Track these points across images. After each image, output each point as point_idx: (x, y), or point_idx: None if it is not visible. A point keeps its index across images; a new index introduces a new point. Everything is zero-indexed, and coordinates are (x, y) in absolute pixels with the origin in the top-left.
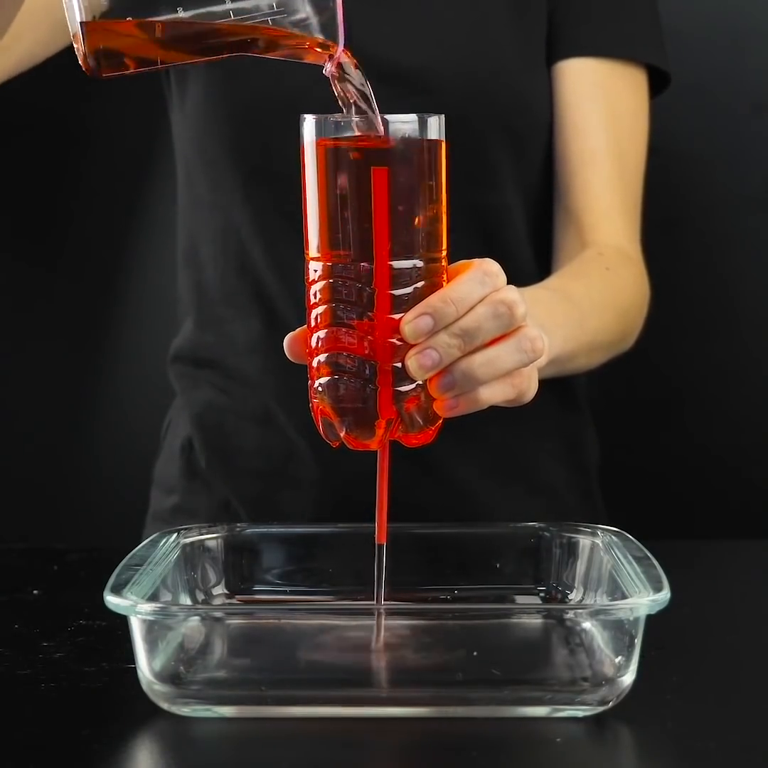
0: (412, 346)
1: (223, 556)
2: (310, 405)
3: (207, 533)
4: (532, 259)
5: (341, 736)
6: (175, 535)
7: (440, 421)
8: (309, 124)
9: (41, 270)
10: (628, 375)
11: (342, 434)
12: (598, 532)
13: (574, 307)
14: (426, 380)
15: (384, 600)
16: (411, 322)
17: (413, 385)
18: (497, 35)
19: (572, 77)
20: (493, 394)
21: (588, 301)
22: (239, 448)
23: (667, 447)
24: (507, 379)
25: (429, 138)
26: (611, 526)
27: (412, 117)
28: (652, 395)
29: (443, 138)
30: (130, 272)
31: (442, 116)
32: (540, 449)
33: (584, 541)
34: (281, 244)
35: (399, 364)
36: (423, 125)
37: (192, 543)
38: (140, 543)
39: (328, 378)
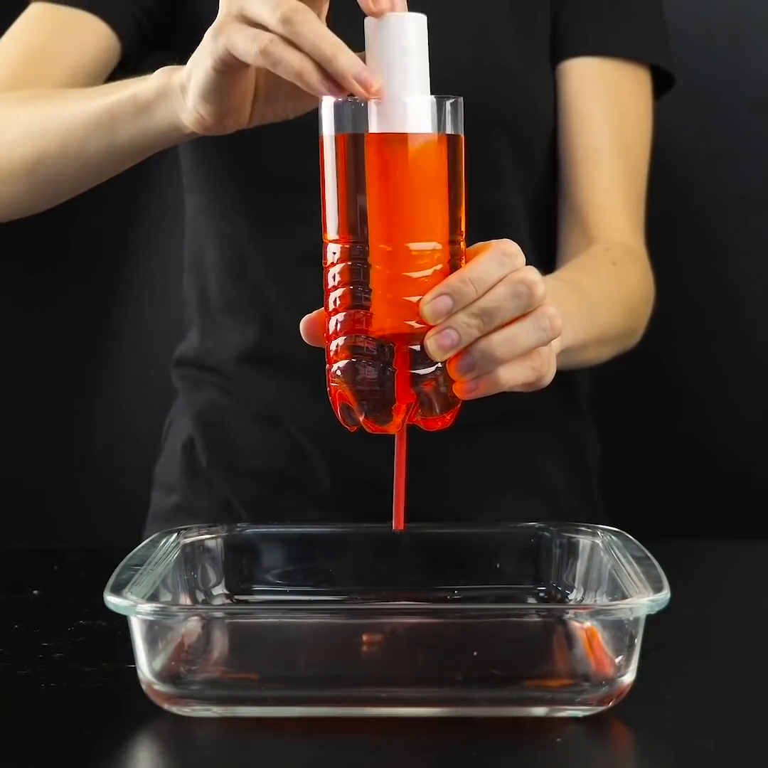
0: (431, 327)
1: (223, 556)
2: (328, 389)
3: (207, 533)
4: (535, 259)
5: (341, 737)
6: (175, 535)
7: (459, 405)
8: (327, 105)
9: (43, 272)
10: (628, 375)
11: (361, 418)
12: (598, 532)
13: (584, 299)
14: (445, 363)
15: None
16: (430, 303)
17: (432, 368)
18: (501, 35)
19: (577, 76)
20: (512, 376)
21: (597, 293)
22: (240, 448)
23: (667, 447)
24: (526, 360)
25: (447, 120)
26: (611, 526)
27: (431, 99)
28: (652, 396)
29: (461, 120)
30: (133, 274)
31: (461, 99)
32: (541, 450)
33: (584, 541)
34: (282, 251)
35: (418, 347)
36: (441, 107)
37: (192, 543)
38: (140, 543)
39: (346, 361)
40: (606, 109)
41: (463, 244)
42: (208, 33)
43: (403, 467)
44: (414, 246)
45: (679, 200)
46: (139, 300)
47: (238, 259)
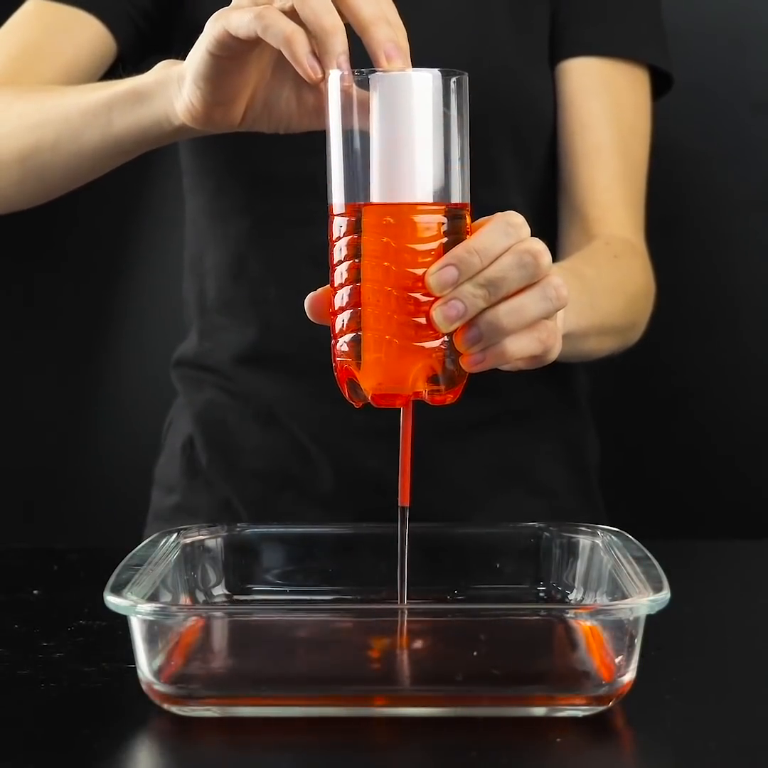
0: (438, 299)
1: (223, 556)
2: (333, 365)
3: (207, 533)
4: None
5: (341, 737)
6: (175, 535)
7: (465, 380)
8: (334, 78)
9: (44, 272)
10: (628, 374)
11: (368, 394)
12: (598, 532)
13: (586, 287)
14: (452, 336)
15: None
16: (435, 274)
17: (438, 342)
18: (500, 33)
19: (576, 75)
20: (519, 348)
21: (599, 283)
22: (240, 448)
23: (667, 447)
24: (533, 332)
25: (451, 95)
26: (611, 526)
27: (436, 72)
28: (652, 395)
29: (467, 95)
30: (133, 274)
31: (466, 74)
32: (540, 450)
33: (584, 541)
34: (281, 252)
35: (424, 320)
36: (446, 82)
37: (192, 543)
38: (140, 543)
39: (353, 335)
40: (605, 108)
41: (468, 217)
42: (210, 19)
43: (409, 442)
44: (419, 218)
45: (679, 200)
46: (139, 300)
47: (238, 260)
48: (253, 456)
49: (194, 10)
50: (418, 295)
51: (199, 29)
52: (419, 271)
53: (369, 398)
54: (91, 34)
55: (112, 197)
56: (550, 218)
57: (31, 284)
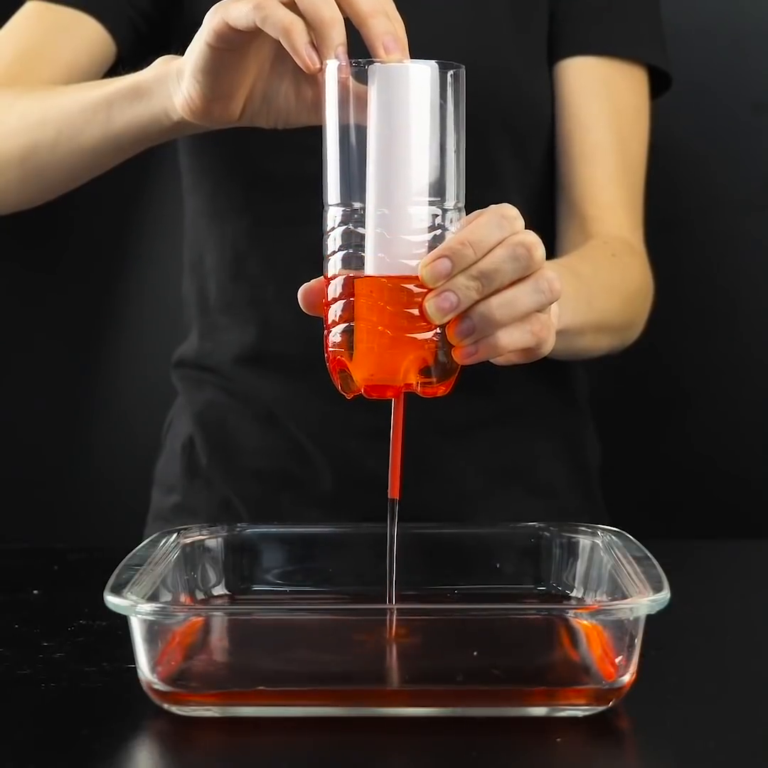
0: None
1: (223, 556)
2: (325, 356)
3: (207, 533)
4: None
5: (341, 737)
6: (175, 535)
7: (457, 373)
8: (332, 68)
9: (43, 272)
10: (628, 374)
11: (360, 385)
12: (598, 532)
13: (583, 284)
14: (444, 329)
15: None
16: (429, 265)
17: (431, 334)
18: (499, 33)
19: (575, 74)
20: (512, 340)
21: (596, 281)
22: (240, 448)
23: (668, 447)
24: (526, 325)
25: (448, 87)
26: (611, 526)
27: (433, 64)
28: (652, 395)
29: (464, 89)
30: (132, 274)
31: (463, 68)
32: (540, 450)
33: (584, 541)
34: (280, 252)
35: (417, 311)
36: (443, 75)
37: (192, 543)
38: (140, 543)
39: (345, 325)
40: (604, 107)
41: (462, 211)
42: (209, 11)
43: (400, 435)
44: (412, 210)
45: (678, 200)
46: (139, 300)
47: (237, 260)
48: (253, 456)
49: (192, 10)
50: (411, 287)
51: (198, 28)
52: (413, 263)
53: (361, 389)
54: (90, 36)
55: (112, 198)
56: (549, 218)
57: (30, 285)
